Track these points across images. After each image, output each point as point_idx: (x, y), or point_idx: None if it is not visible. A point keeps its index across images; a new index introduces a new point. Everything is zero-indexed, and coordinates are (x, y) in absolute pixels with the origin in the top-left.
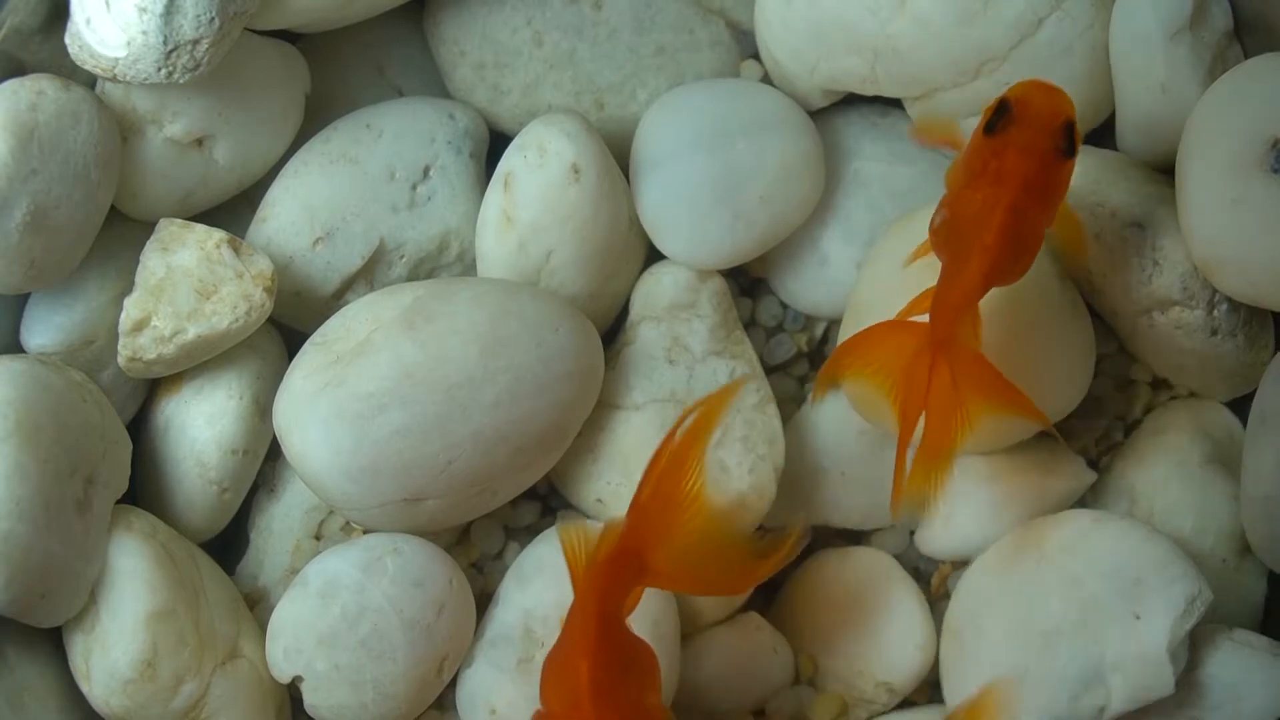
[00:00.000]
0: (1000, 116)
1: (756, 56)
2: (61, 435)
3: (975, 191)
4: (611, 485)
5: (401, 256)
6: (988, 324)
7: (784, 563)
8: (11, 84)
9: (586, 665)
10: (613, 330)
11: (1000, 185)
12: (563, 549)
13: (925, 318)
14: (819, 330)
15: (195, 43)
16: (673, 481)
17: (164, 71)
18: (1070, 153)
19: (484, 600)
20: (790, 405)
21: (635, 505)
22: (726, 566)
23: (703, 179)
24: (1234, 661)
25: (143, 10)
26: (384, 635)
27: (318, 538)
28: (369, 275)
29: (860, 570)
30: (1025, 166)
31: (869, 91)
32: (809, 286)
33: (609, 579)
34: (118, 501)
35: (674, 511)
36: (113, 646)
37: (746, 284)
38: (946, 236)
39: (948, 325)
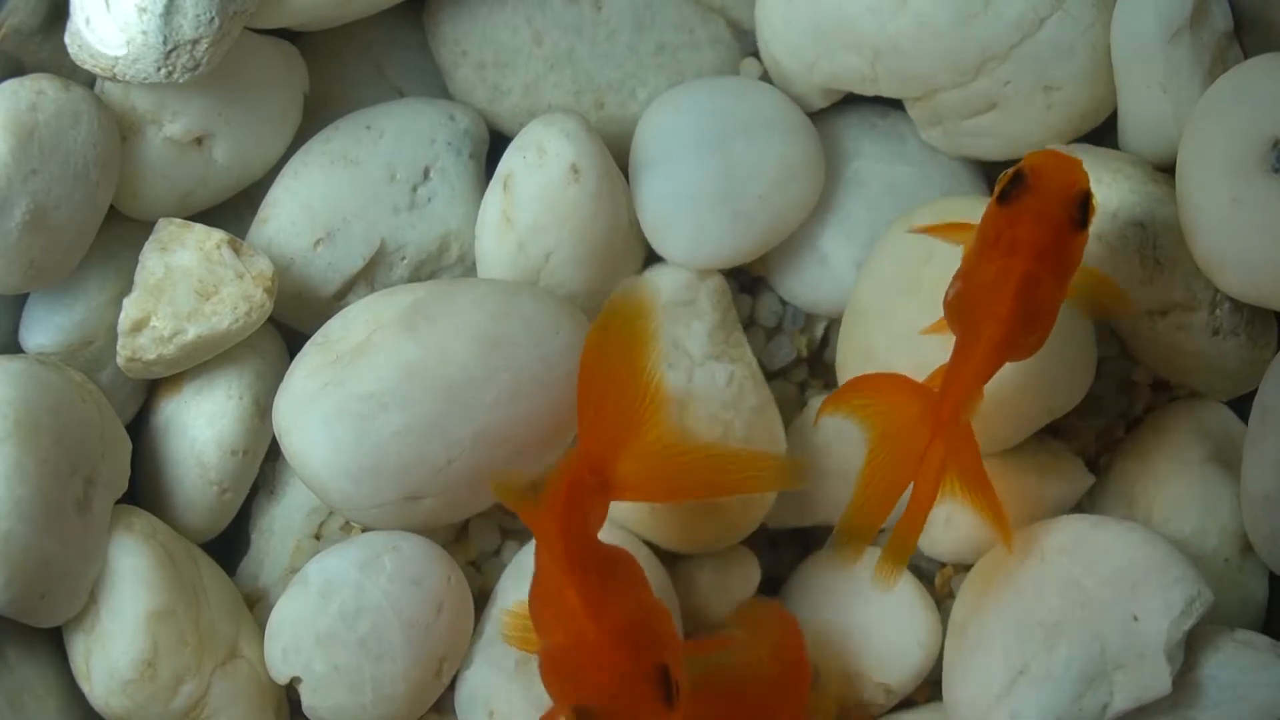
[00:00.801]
0: (1015, 186)
1: (756, 55)
2: (61, 435)
3: (989, 262)
4: None
5: (403, 258)
6: None
7: (770, 485)
8: (11, 84)
9: (574, 589)
10: None
11: (1014, 255)
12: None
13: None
14: (819, 332)
15: (195, 42)
16: (620, 395)
17: (164, 71)
18: (1083, 224)
19: (482, 600)
20: (790, 409)
21: (582, 425)
22: (695, 470)
23: (702, 179)
24: (1235, 661)
25: (142, 10)
26: (382, 635)
27: (318, 538)
28: (370, 276)
29: (860, 570)
30: (1040, 236)
31: (869, 91)
32: (809, 285)
33: (568, 501)
34: (118, 501)
35: (627, 423)
36: (113, 646)
37: (746, 281)
38: (960, 309)
39: (956, 402)
